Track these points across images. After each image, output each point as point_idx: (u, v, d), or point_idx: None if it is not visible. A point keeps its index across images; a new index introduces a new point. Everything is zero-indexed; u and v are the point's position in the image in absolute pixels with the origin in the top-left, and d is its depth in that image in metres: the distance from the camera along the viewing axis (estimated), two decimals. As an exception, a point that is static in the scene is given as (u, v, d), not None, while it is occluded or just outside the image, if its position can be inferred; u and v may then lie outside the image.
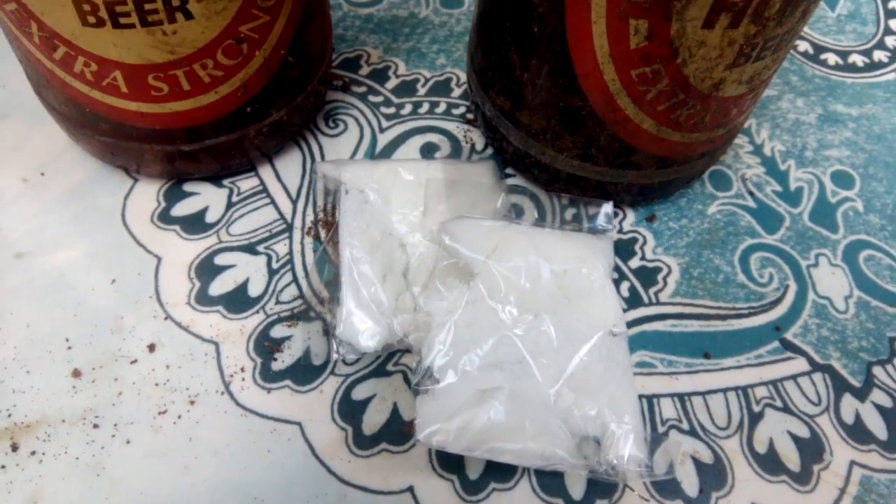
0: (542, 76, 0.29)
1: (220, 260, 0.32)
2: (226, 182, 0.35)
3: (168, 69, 0.27)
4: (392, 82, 0.39)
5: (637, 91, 0.27)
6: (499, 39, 0.30)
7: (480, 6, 0.32)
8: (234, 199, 0.34)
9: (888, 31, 0.46)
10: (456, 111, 0.38)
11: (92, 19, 0.25)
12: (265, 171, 0.35)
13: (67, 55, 0.27)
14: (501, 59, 0.31)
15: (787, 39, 0.27)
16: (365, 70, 0.40)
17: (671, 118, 0.29)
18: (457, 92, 0.39)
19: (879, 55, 0.44)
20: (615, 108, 0.28)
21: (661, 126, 0.29)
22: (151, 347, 0.29)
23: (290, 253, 0.33)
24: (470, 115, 0.38)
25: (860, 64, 0.44)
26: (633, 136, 0.29)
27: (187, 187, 0.34)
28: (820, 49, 0.44)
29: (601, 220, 0.33)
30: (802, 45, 0.44)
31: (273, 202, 0.34)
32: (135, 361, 0.29)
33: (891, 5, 0.47)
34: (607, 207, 0.33)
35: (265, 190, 0.35)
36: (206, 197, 0.34)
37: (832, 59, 0.44)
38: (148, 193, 0.34)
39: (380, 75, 0.40)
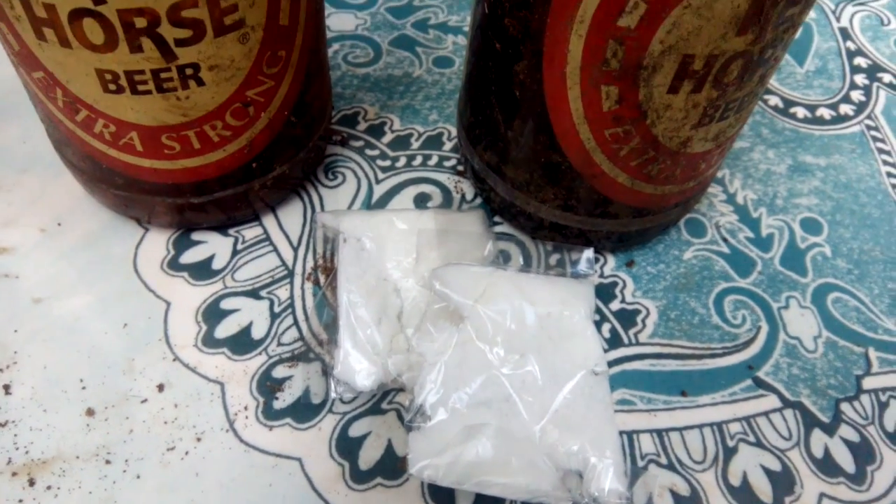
0: (525, 134, 0.31)
1: (225, 304, 0.34)
2: (231, 231, 0.36)
3: (180, 130, 0.29)
4: (387, 137, 0.41)
5: (611, 149, 0.29)
6: (484, 100, 0.33)
7: (468, 69, 0.34)
8: (239, 247, 0.36)
9: (853, 86, 0.48)
10: (447, 163, 0.40)
11: (112, 87, 0.27)
12: (268, 221, 0.37)
13: (88, 118, 0.29)
14: (487, 118, 0.33)
15: (748, 101, 0.29)
16: (362, 126, 0.42)
17: (644, 172, 0.31)
18: (448, 146, 0.41)
19: (845, 109, 0.47)
20: (592, 163, 0.30)
21: (634, 180, 0.31)
22: (160, 387, 0.31)
23: (291, 297, 0.34)
24: (460, 168, 0.40)
25: (827, 117, 0.46)
26: (610, 188, 0.31)
27: (195, 236, 0.36)
28: (789, 103, 0.47)
29: (583, 266, 0.35)
30: (773, 100, 0.47)
31: (275, 250, 0.36)
32: (145, 401, 0.30)
33: (856, 62, 0.50)
34: (589, 253, 0.35)
35: (268, 238, 0.36)
36: (212, 245, 0.36)
37: (801, 112, 0.46)
38: (158, 242, 0.35)
39: (376, 130, 0.42)
